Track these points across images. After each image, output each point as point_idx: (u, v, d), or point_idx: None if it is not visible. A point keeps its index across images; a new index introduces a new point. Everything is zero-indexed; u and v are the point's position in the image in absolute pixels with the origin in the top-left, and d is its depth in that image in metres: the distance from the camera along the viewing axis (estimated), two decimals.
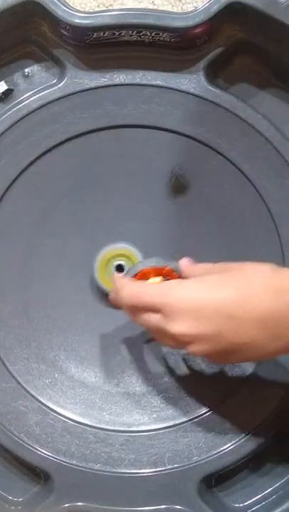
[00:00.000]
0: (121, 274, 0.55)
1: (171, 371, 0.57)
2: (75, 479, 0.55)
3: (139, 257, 0.57)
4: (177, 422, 0.56)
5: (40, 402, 0.57)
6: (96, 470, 0.56)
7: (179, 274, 0.51)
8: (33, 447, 0.56)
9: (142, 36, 0.56)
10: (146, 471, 0.56)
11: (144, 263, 0.52)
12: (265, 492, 0.56)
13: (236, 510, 0.56)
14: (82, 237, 0.58)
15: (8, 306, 0.58)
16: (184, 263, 0.51)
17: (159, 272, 0.52)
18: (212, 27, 0.55)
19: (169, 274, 0.51)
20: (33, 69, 0.59)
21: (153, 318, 0.47)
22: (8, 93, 0.59)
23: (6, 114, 0.58)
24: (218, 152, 0.58)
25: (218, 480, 0.57)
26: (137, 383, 0.57)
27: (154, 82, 0.58)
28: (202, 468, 0.55)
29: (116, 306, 0.52)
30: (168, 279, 0.51)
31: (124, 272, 0.56)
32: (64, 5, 0.54)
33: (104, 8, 0.64)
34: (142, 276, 0.52)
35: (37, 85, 0.59)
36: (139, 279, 0.52)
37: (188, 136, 0.58)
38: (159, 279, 0.51)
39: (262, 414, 0.56)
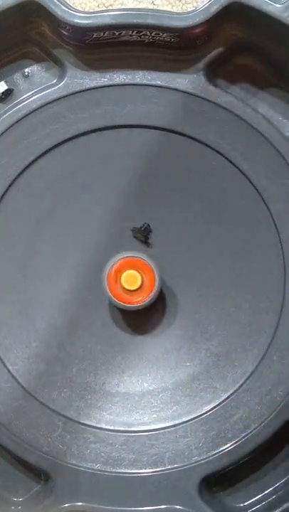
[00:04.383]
0: None
1: (171, 371, 0.57)
2: (75, 479, 0.55)
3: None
4: (177, 421, 0.56)
5: (40, 402, 0.57)
6: (96, 470, 0.56)
7: (150, 266, 0.55)
8: (33, 447, 0.56)
9: (142, 36, 0.56)
10: (147, 471, 0.56)
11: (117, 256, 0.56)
12: (266, 492, 0.56)
13: (237, 510, 0.56)
14: (83, 237, 0.58)
15: (8, 306, 0.58)
16: None
17: (132, 264, 0.55)
18: (212, 27, 0.55)
19: (142, 267, 0.55)
20: (33, 69, 0.59)
21: None
22: (8, 93, 0.59)
23: (6, 114, 0.58)
24: (218, 152, 0.58)
25: (218, 480, 0.57)
26: (137, 383, 0.57)
27: (154, 82, 0.58)
28: (202, 468, 0.55)
29: None
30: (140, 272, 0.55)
31: None
32: (64, 5, 0.54)
33: (104, 8, 0.64)
34: (119, 267, 0.55)
35: (37, 85, 0.59)
36: (115, 270, 0.55)
37: (188, 136, 0.58)
38: (133, 271, 0.55)
39: (262, 414, 0.56)
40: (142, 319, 0.58)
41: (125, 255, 0.55)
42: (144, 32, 0.55)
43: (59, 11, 0.54)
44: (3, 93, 0.58)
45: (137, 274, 0.55)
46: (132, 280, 0.55)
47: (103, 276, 0.55)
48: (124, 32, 0.55)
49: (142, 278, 0.55)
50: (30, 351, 0.57)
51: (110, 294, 0.55)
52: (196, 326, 0.57)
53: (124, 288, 0.55)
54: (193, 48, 0.56)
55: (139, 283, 0.55)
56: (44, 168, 0.58)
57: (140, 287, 0.55)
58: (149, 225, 0.58)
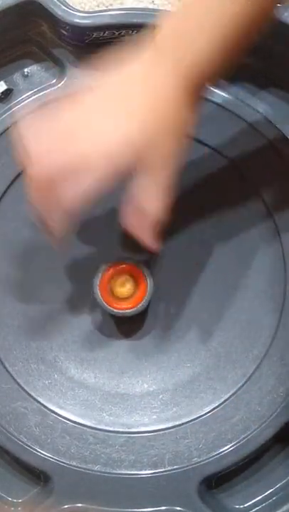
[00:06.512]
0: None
1: (171, 372, 0.57)
2: (74, 480, 0.55)
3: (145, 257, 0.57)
4: (177, 423, 0.56)
5: (39, 403, 0.56)
6: (96, 471, 0.55)
7: (147, 275, 0.55)
8: (32, 448, 0.56)
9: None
10: (146, 472, 0.55)
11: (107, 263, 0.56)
12: (266, 493, 0.56)
13: None
14: (83, 238, 0.58)
15: (8, 307, 0.58)
16: None
17: (127, 270, 0.55)
18: None
19: (136, 273, 0.55)
20: (32, 69, 0.59)
21: None
22: (7, 93, 0.59)
23: (6, 114, 0.58)
24: (218, 152, 0.57)
25: (218, 481, 0.57)
26: (137, 384, 0.57)
27: None
28: (202, 470, 0.55)
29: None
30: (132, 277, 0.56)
31: None
32: (64, 4, 0.54)
33: (104, 8, 0.64)
34: (114, 272, 0.55)
35: (36, 85, 0.59)
36: (110, 274, 0.55)
37: (187, 136, 0.57)
38: (125, 277, 0.56)
39: (262, 416, 0.56)
40: (142, 320, 0.58)
41: (116, 261, 0.56)
42: (143, 32, 0.55)
43: (59, 10, 0.54)
44: (2, 93, 0.58)
45: (129, 280, 0.56)
46: (124, 288, 0.56)
47: (95, 285, 0.55)
48: (124, 32, 0.55)
49: (134, 285, 0.56)
50: (29, 352, 0.57)
51: (103, 301, 0.55)
52: (196, 327, 0.57)
53: (115, 295, 0.55)
54: None
55: (130, 290, 0.56)
56: None
57: (132, 294, 0.56)
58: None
